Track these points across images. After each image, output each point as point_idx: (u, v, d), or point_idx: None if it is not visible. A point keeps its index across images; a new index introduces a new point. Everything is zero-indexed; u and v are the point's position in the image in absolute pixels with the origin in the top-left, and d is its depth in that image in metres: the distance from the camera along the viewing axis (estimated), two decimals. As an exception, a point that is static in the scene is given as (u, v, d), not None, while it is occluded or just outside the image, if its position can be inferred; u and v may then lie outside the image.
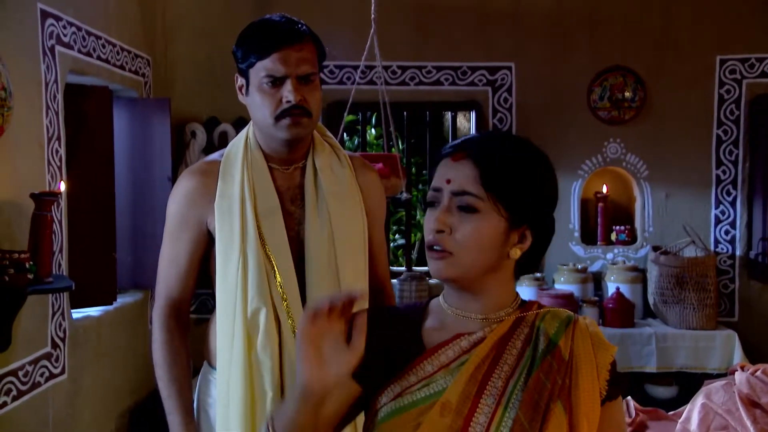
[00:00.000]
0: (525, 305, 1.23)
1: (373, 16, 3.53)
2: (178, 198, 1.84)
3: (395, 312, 1.30)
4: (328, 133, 1.95)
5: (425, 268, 4.86)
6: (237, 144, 1.86)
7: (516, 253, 1.17)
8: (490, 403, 1.12)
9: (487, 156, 1.15)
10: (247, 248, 1.76)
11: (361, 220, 1.88)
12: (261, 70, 1.73)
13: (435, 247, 1.16)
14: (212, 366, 1.88)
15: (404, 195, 3.62)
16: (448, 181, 1.16)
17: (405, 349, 1.19)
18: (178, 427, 1.81)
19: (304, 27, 1.78)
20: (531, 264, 1.22)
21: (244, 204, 1.78)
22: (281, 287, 1.77)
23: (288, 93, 1.72)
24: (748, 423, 2.65)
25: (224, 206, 1.78)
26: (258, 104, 1.76)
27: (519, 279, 1.26)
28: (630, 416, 3.04)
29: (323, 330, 1.05)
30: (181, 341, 1.86)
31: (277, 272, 1.77)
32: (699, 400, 2.83)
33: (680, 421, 2.82)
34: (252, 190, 1.79)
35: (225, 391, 1.78)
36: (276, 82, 1.73)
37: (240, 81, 1.82)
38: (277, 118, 1.74)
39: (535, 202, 1.17)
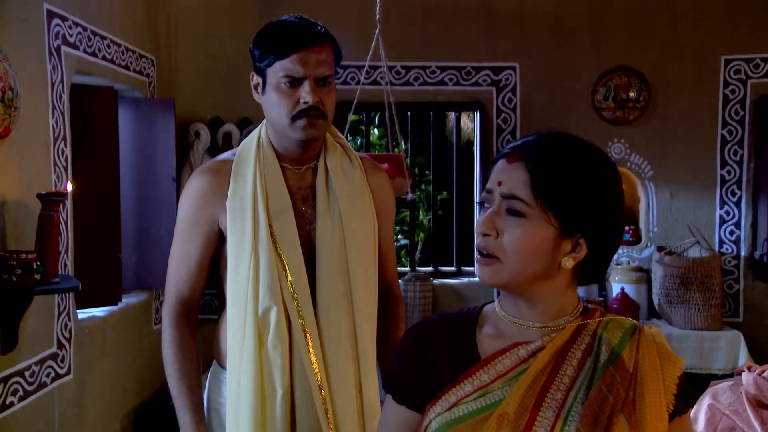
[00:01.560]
0: (587, 312, 1.17)
1: (378, 16, 3.53)
2: (190, 196, 1.84)
3: (445, 319, 1.23)
4: (340, 134, 1.95)
5: (429, 269, 4.85)
6: (249, 143, 1.85)
7: (569, 262, 1.11)
8: (549, 416, 1.07)
9: (540, 160, 1.10)
10: (258, 247, 1.76)
11: (372, 221, 1.88)
12: (280, 70, 1.73)
13: (482, 251, 1.12)
14: (222, 366, 1.87)
15: (410, 195, 3.61)
16: (500, 183, 1.12)
17: (459, 357, 1.15)
18: (188, 425, 1.80)
19: (323, 29, 1.79)
20: (595, 273, 1.16)
21: (257, 203, 1.77)
22: (292, 286, 1.77)
23: (306, 94, 1.72)
24: (756, 424, 2.64)
25: (236, 205, 1.78)
26: (274, 103, 1.76)
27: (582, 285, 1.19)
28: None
29: None
30: (191, 339, 1.85)
31: (288, 271, 1.77)
32: (706, 400, 2.83)
33: (687, 421, 2.81)
34: (264, 189, 1.79)
35: (235, 389, 1.78)
36: (294, 82, 1.73)
37: (256, 79, 1.81)
38: (294, 119, 1.74)
39: (588, 212, 1.10)
